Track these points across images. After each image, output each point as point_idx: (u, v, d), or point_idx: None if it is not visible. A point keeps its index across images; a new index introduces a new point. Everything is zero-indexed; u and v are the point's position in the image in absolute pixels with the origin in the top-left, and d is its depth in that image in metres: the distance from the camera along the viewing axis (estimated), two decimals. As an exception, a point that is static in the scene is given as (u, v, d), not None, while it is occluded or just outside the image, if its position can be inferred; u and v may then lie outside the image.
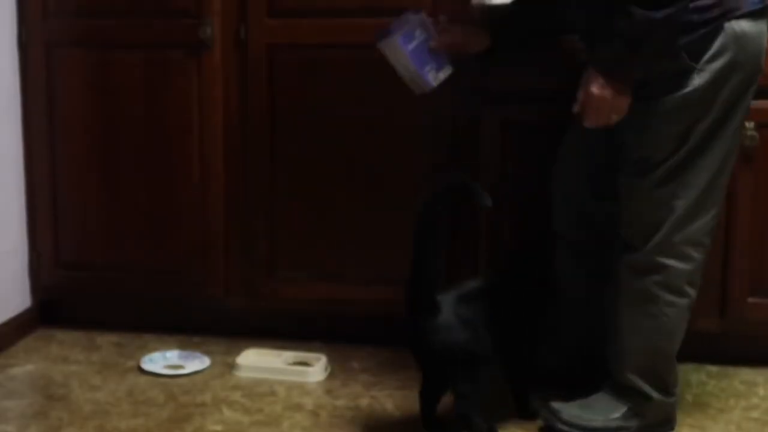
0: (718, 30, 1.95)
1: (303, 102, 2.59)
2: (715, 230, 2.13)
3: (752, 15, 1.98)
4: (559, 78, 2.26)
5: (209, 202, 2.67)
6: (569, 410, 2.13)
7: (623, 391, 2.13)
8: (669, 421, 2.16)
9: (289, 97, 2.59)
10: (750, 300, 2.47)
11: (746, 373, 2.50)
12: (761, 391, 2.40)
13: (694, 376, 2.48)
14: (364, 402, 2.33)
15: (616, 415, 2.11)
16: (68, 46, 2.69)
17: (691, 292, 2.09)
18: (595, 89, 1.94)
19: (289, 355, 2.55)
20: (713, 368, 2.52)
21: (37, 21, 2.68)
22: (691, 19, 1.94)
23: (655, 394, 2.11)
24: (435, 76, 2.22)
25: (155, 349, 2.63)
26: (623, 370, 2.12)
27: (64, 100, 2.72)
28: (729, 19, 1.96)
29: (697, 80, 1.97)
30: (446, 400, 2.12)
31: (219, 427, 2.19)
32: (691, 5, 1.93)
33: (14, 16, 2.69)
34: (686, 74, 1.97)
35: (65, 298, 2.85)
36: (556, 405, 2.14)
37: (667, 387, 2.13)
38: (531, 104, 2.43)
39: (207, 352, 2.61)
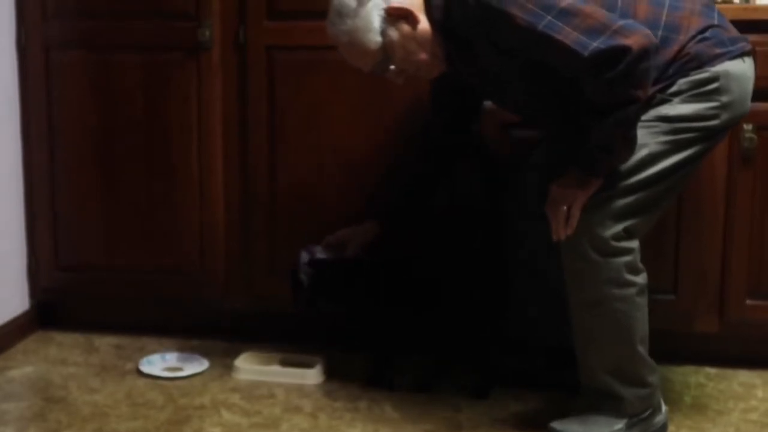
0: (701, 72, 2.01)
1: (301, 104, 2.59)
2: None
3: (733, 59, 2.03)
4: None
5: (208, 204, 2.67)
6: (571, 428, 2.10)
7: (595, 396, 2.11)
8: (654, 408, 2.13)
9: (287, 98, 2.59)
10: (748, 302, 2.47)
11: (745, 375, 2.50)
12: (760, 393, 2.41)
13: (693, 378, 2.48)
14: (362, 404, 2.33)
15: (620, 426, 2.10)
16: (67, 48, 2.69)
17: (636, 278, 2.05)
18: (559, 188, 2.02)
19: (288, 357, 2.55)
20: (712, 370, 2.53)
21: (37, 23, 2.68)
22: (669, 74, 2.00)
23: (626, 392, 2.08)
24: None
25: (154, 351, 2.63)
26: (590, 375, 2.11)
27: (62, 103, 2.71)
28: (712, 65, 2.01)
29: (672, 111, 2.01)
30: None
31: (218, 430, 2.19)
32: (667, 60, 1.99)
33: (13, 17, 2.69)
34: (661, 104, 2.02)
35: (64, 301, 2.85)
36: (556, 425, 2.11)
37: (640, 379, 2.09)
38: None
39: (206, 354, 2.60)
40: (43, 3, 2.67)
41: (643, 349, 2.09)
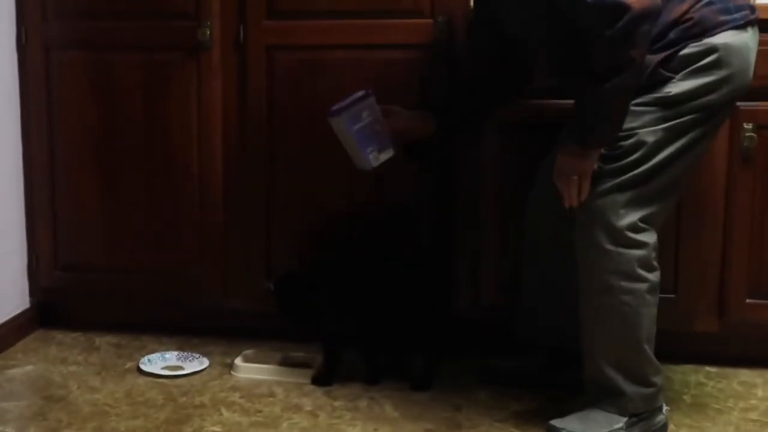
0: (700, 45, 1.99)
1: (301, 103, 2.59)
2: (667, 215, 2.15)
3: (736, 28, 2.01)
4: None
5: (208, 203, 2.67)
6: (571, 425, 2.10)
7: (597, 389, 2.11)
8: (656, 409, 2.13)
9: (287, 98, 2.59)
10: (748, 301, 2.47)
11: (745, 375, 2.50)
12: (760, 392, 2.41)
13: (693, 377, 2.48)
14: (362, 403, 2.33)
15: (620, 424, 2.09)
16: (67, 48, 2.69)
17: (648, 275, 2.05)
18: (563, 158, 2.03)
19: (288, 357, 2.55)
20: (712, 369, 2.53)
21: (37, 23, 2.68)
22: (670, 38, 1.99)
23: (629, 388, 2.08)
24: (376, 157, 2.28)
25: (154, 350, 2.63)
26: (593, 366, 2.10)
27: (62, 102, 2.72)
28: (712, 35, 1.99)
29: (674, 89, 2.00)
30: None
31: (218, 429, 2.19)
32: (668, 22, 1.97)
33: (13, 17, 2.69)
34: (663, 83, 2.00)
35: (64, 300, 2.85)
36: (556, 423, 2.12)
37: (643, 377, 2.09)
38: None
39: (206, 353, 2.61)
40: (43, 3, 2.67)
41: (648, 348, 2.09)
